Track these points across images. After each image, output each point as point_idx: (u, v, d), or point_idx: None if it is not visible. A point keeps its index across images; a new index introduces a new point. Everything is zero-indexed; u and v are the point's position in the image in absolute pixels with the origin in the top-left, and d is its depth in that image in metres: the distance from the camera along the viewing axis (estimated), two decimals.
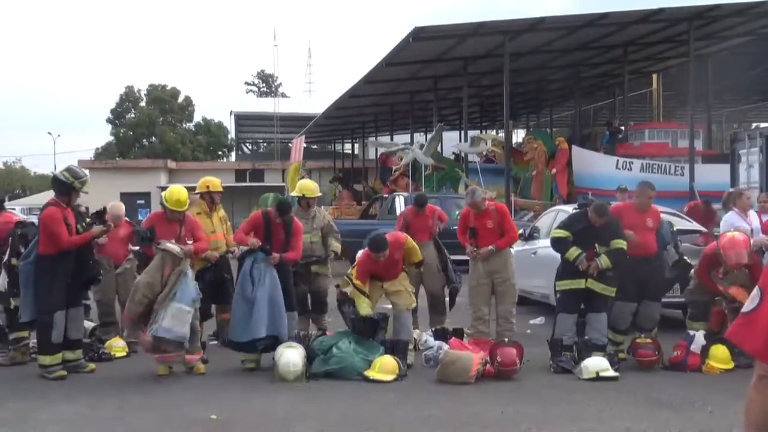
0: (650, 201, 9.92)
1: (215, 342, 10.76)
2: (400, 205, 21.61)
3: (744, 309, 2.74)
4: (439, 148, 33.82)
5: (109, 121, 76.51)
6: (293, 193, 11.62)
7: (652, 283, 9.78)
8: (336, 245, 10.93)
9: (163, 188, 37.75)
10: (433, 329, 10.55)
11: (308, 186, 11.09)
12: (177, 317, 8.80)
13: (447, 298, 11.37)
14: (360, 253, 10.09)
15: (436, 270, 11.16)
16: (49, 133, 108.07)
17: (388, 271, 9.64)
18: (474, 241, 10.26)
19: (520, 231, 14.82)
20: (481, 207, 10.21)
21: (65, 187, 9.32)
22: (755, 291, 2.82)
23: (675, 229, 10.37)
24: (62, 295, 9.08)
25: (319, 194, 11.15)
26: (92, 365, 9.50)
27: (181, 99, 76.62)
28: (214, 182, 10.91)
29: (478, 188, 10.32)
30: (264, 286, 9.18)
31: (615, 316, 9.76)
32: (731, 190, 12.12)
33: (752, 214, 11.34)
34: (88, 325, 10.94)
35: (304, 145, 37.71)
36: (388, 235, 9.75)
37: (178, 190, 9.64)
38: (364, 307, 9.34)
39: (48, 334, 9.01)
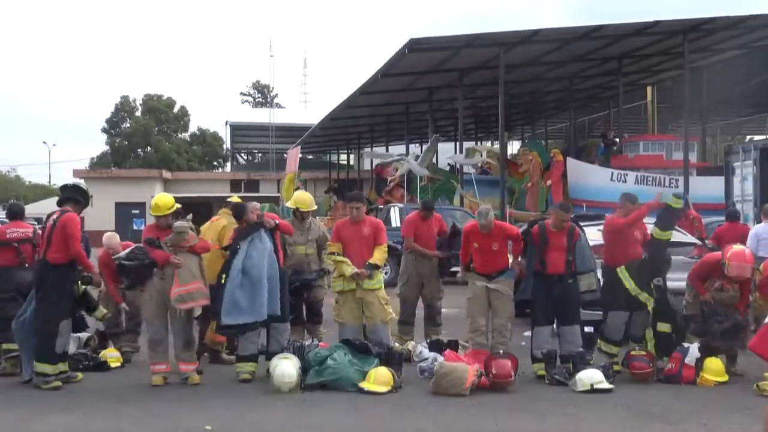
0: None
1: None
2: (395, 216, 21.62)
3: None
4: (434, 160, 33.86)
5: (104, 130, 76.49)
6: (288, 204, 11.61)
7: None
8: (329, 260, 10.86)
9: None
10: (428, 341, 10.55)
11: (303, 199, 11.03)
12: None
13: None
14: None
15: (435, 281, 11.16)
16: (45, 142, 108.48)
17: (360, 240, 9.85)
18: (471, 264, 10.13)
19: None
20: (491, 227, 9.96)
21: (87, 201, 9.66)
22: None
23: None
24: (69, 304, 9.20)
25: (314, 208, 11.07)
26: (80, 375, 9.51)
27: (176, 109, 76.63)
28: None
29: (491, 212, 9.96)
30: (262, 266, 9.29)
31: (608, 326, 9.82)
32: None
33: None
34: (82, 335, 10.93)
35: (300, 155, 37.68)
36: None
37: (159, 196, 9.78)
38: (346, 269, 9.67)
39: (52, 342, 9.02)
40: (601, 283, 9.90)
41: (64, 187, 10.18)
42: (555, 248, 9.54)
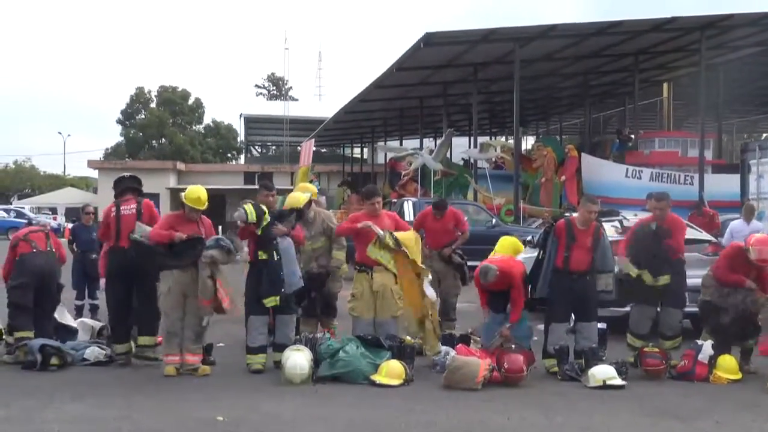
0: (664, 213, 9.91)
1: (222, 344, 10.76)
2: (408, 210, 21.59)
3: None
4: (448, 154, 33.82)
5: (119, 121, 76.84)
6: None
7: (675, 289, 9.83)
8: (338, 255, 10.77)
9: (175, 189, 37.79)
10: (441, 334, 10.51)
11: (290, 202, 10.66)
12: None
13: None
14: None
15: (452, 276, 11.12)
16: (60, 132, 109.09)
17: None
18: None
19: (529, 237, 14.82)
20: (496, 280, 9.67)
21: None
22: None
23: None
24: None
25: (298, 205, 10.41)
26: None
27: (191, 101, 76.85)
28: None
29: (492, 268, 9.50)
30: None
31: (634, 320, 9.82)
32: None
33: (755, 223, 13.93)
34: (96, 324, 10.99)
35: (314, 148, 37.75)
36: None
37: (198, 188, 9.64)
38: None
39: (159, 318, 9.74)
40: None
41: (122, 179, 10.41)
42: (581, 246, 9.43)
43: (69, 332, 10.55)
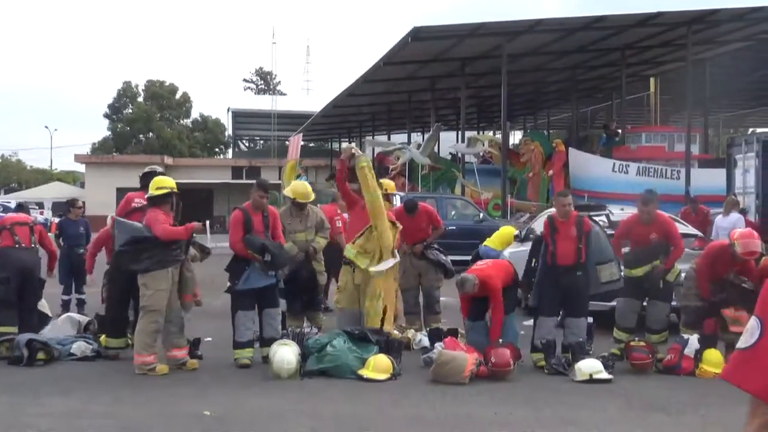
0: (651, 216, 9.92)
1: (210, 339, 10.75)
2: (395, 205, 21.61)
3: (740, 344, 2.33)
4: (436, 149, 33.85)
5: (106, 116, 76.57)
6: (285, 193, 11.59)
7: (663, 284, 9.87)
8: (320, 241, 10.89)
9: None
10: (428, 329, 10.55)
11: (298, 189, 10.94)
12: None
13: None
14: None
15: (432, 271, 11.16)
16: (46, 127, 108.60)
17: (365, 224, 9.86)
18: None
19: (516, 232, 14.84)
20: (474, 290, 9.56)
21: None
22: (752, 322, 2.42)
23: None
24: None
25: (311, 198, 10.97)
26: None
27: (178, 95, 76.67)
28: None
29: (469, 279, 9.34)
30: None
31: (620, 314, 9.86)
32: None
33: (733, 215, 14.71)
34: (83, 319, 10.94)
35: (302, 143, 37.65)
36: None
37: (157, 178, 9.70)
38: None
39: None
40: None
41: (153, 173, 10.26)
42: (564, 238, 9.45)
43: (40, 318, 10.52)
